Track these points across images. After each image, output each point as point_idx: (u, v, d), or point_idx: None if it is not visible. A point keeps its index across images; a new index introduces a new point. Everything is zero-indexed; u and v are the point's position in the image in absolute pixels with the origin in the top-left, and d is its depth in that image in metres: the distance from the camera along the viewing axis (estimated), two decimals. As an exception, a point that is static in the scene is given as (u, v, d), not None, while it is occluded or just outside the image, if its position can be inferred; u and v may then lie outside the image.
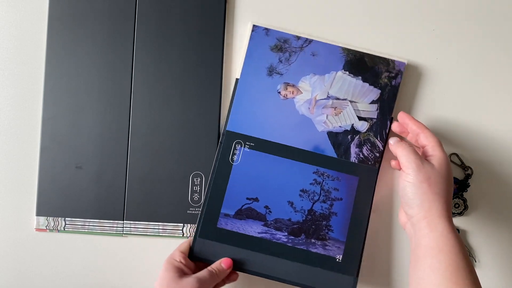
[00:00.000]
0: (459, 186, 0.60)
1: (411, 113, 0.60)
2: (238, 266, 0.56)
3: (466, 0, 0.61)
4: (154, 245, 0.61)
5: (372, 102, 0.58)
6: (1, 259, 0.61)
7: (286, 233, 0.53)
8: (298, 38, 0.59)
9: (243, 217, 0.53)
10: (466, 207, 0.60)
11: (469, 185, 0.60)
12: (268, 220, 0.53)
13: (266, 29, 0.59)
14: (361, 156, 0.58)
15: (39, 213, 0.60)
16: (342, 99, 0.58)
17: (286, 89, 0.58)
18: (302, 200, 0.54)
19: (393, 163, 0.57)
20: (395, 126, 0.57)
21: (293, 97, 0.59)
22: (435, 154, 0.52)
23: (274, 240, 0.54)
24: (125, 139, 0.61)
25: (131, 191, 0.60)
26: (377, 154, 0.58)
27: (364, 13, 0.62)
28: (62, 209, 0.60)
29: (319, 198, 0.54)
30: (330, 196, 0.55)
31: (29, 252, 0.61)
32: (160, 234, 0.61)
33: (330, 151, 0.58)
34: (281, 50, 0.59)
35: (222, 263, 0.54)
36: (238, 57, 0.61)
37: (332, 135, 0.58)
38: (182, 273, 0.52)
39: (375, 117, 0.58)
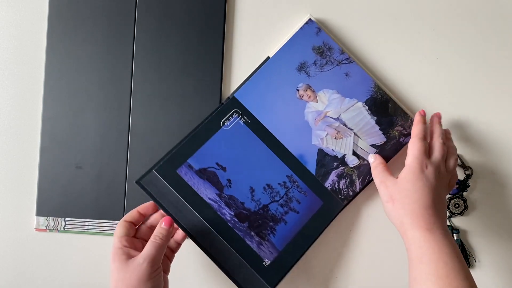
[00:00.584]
0: (459, 186, 0.60)
1: (412, 113, 0.61)
2: (172, 216, 0.54)
3: (465, 0, 0.61)
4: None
5: (373, 146, 0.58)
6: (1, 259, 0.61)
7: (232, 213, 0.54)
8: (342, 52, 0.58)
9: (203, 177, 0.53)
10: (466, 207, 0.60)
11: (469, 185, 0.60)
12: (223, 193, 0.53)
13: (319, 28, 0.58)
14: (336, 186, 0.58)
15: (39, 213, 0.60)
16: (349, 128, 0.58)
17: (306, 91, 0.58)
18: (264, 193, 0.55)
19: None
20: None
21: (307, 101, 0.59)
22: (405, 165, 0.52)
23: (218, 213, 0.54)
24: (125, 139, 0.61)
25: (131, 191, 0.60)
26: (351, 193, 0.58)
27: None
28: (62, 209, 0.60)
29: (279, 200, 0.54)
30: (289, 204, 0.55)
31: (29, 252, 0.61)
32: (160, 234, 0.61)
33: (312, 166, 0.58)
34: (321, 54, 0.58)
35: (163, 224, 0.52)
36: (238, 56, 0.61)
37: (321, 153, 0.58)
38: (129, 256, 0.50)
39: (368, 158, 0.58)
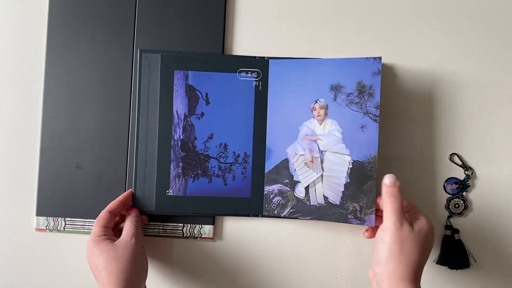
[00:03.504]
0: (459, 186, 0.60)
1: (412, 113, 0.61)
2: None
3: (465, 0, 0.61)
4: (154, 245, 0.61)
5: (325, 197, 0.57)
6: (1, 259, 0.61)
7: (181, 137, 0.58)
8: (377, 107, 0.56)
9: (187, 93, 0.57)
10: (466, 207, 0.60)
11: (469, 185, 0.60)
12: (190, 118, 0.58)
13: (379, 71, 0.55)
14: (270, 196, 0.58)
15: (39, 213, 0.60)
16: (322, 167, 0.57)
17: (321, 109, 0.57)
18: (216, 147, 0.58)
19: (365, 234, 0.57)
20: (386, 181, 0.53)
21: (313, 117, 0.58)
22: (420, 219, 0.52)
23: (172, 126, 0.58)
24: (125, 139, 0.61)
25: (131, 191, 0.60)
26: (275, 212, 0.58)
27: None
28: (62, 209, 0.60)
29: (222, 162, 0.58)
30: (226, 173, 0.58)
31: (29, 252, 0.61)
32: (160, 234, 0.61)
33: (269, 165, 0.58)
34: (359, 92, 0.55)
35: (132, 213, 0.57)
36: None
37: (284, 163, 0.58)
38: (112, 240, 0.53)
39: (312, 202, 0.57)
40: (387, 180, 0.52)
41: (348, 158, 0.56)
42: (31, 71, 0.62)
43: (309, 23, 0.61)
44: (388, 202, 0.51)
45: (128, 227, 0.55)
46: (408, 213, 0.54)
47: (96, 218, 0.55)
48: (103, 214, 0.55)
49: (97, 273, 0.52)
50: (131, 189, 0.59)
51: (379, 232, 0.51)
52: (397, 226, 0.49)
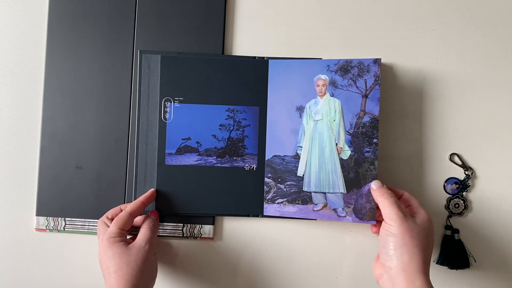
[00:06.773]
0: (459, 186, 0.60)
1: (412, 113, 0.61)
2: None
3: (465, 0, 0.61)
4: (154, 245, 0.61)
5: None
6: (1, 259, 0.61)
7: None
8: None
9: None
10: (466, 207, 0.60)
11: (469, 185, 0.60)
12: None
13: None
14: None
15: (39, 213, 0.60)
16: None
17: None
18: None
19: (373, 229, 0.57)
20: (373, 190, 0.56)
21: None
22: (419, 212, 0.53)
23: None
24: (125, 139, 0.61)
25: (130, 191, 0.60)
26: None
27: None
28: (62, 209, 0.60)
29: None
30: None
31: (29, 252, 0.61)
32: (160, 234, 0.61)
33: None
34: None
35: (151, 216, 0.58)
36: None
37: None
38: (126, 243, 0.53)
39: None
40: (374, 185, 0.55)
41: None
42: (31, 71, 0.62)
43: (308, 23, 0.62)
44: (383, 199, 0.53)
45: (144, 231, 0.55)
46: (407, 207, 0.55)
47: (116, 218, 0.55)
48: (124, 216, 0.55)
49: (106, 274, 0.52)
50: (153, 189, 0.59)
51: (384, 225, 0.52)
52: (400, 216, 0.50)
